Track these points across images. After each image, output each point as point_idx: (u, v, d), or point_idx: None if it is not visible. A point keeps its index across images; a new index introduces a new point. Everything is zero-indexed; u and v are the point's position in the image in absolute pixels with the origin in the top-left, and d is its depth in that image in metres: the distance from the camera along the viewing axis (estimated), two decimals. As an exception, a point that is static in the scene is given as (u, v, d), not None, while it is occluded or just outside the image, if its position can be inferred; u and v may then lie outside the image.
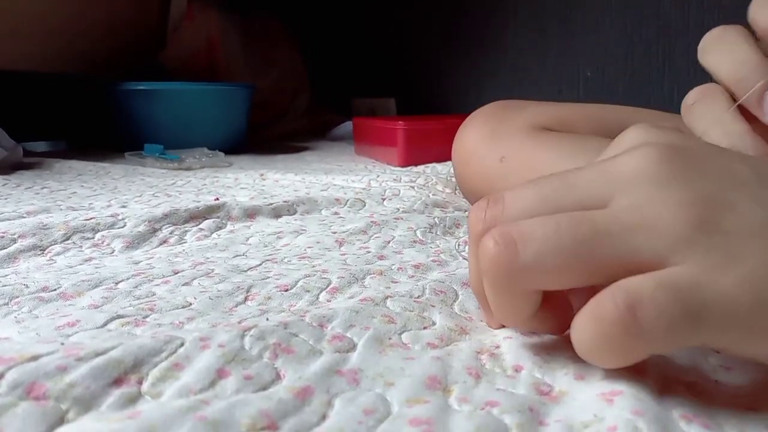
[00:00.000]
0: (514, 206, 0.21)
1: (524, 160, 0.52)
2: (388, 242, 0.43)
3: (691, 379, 0.22)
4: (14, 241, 0.39)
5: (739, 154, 0.22)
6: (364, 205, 0.57)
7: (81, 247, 0.40)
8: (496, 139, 0.56)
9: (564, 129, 0.54)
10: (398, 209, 0.55)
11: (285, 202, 0.54)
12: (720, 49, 0.29)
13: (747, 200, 0.19)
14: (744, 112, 0.28)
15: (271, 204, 0.53)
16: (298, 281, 0.33)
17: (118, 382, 0.20)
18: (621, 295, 0.18)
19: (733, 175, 0.20)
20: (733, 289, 0.17)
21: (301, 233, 0.46)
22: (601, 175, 0.21)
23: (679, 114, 0.31)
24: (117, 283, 0.32)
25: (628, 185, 0.20)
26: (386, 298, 0.30)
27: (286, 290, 0.31)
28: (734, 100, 0.28)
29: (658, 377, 0.22)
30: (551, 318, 0.23)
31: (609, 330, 0.18)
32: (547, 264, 0.19)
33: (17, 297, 0.29)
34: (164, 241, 0.43)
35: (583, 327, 0.19)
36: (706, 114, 0.28)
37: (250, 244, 0.43)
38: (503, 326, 0.26)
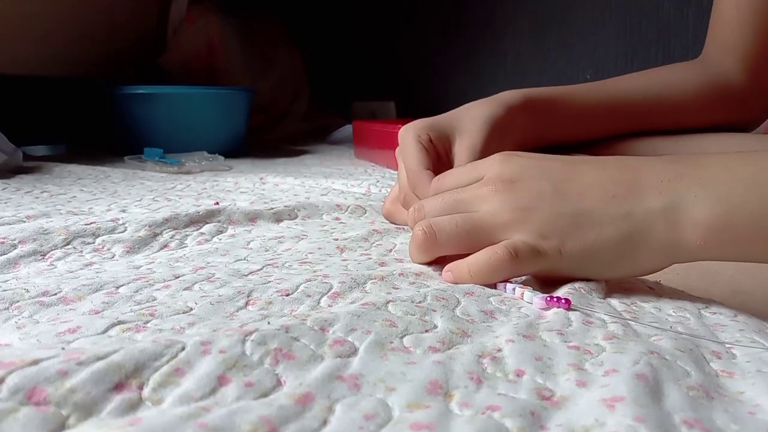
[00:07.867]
0: (430, 210, 0.38)
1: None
2: (390, 250, 0.43)
3: (692, 383, 0.22)
4: (14, 246, 0.39)
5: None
6: (365, 212, 0.57)
7: (81, 251, 0.40)
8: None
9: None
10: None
11: (286, 206, 0.54)
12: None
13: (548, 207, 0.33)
14: None
15: (272, 208, 0.53)
16: (299, 286, 0.33)
17: (119, 387, 0.20)
18: (504, 245, 0.34)
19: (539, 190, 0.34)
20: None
21: (302, 238, 0.46)
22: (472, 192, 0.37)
23: None
24: (118, 288, 0.32)
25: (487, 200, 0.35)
26: (387, 302, 0.30)
27: (287, 295, 0.31)
28: None
29: (659, 382, 0.22)
30: (440, 261, 0.37)
31: (499, 259, 0.33)
32: (450, 243, 0.36)
33: (18, 302, 0.29)
34: (165, 246, 0.43)
35: (480, 258, 0.34)
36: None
37: (251, 249, 0.43)
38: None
